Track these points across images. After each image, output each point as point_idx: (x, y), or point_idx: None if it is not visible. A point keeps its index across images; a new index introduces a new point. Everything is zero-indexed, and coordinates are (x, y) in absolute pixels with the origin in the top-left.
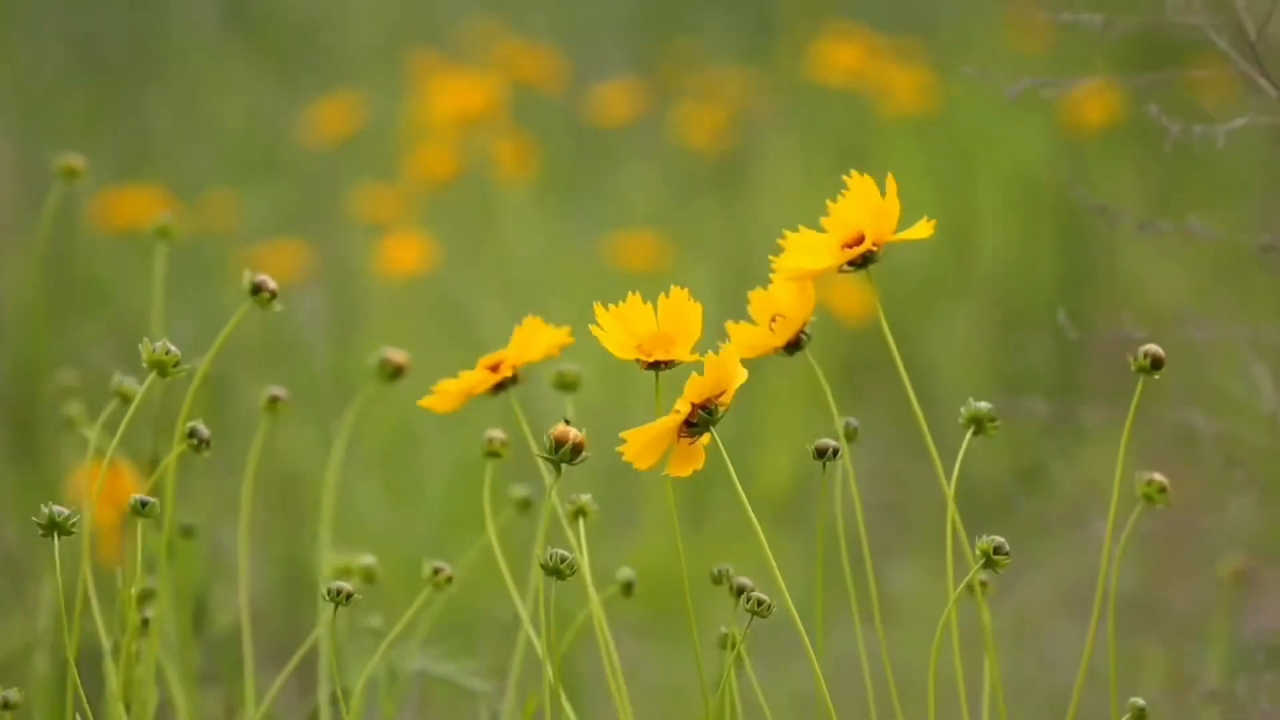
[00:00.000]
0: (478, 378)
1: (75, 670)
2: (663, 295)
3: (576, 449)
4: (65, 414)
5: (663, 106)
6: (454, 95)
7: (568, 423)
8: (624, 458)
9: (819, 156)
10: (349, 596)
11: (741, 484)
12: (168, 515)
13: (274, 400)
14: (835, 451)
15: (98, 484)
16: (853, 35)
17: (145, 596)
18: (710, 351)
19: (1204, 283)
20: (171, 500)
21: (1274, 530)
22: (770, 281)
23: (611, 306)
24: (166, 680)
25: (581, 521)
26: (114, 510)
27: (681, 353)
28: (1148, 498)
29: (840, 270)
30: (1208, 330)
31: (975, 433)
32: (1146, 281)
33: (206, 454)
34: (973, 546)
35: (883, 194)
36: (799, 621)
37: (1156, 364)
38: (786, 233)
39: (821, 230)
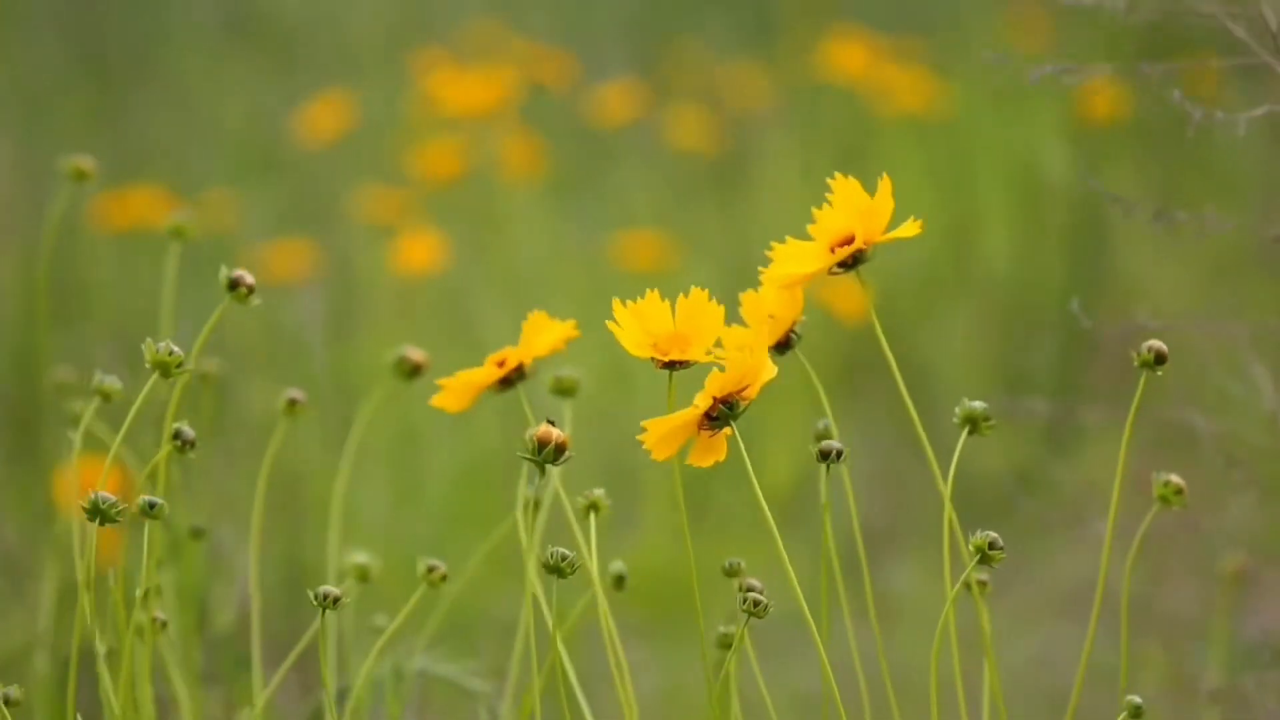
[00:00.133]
0: (485, 372)
1: (75, 669)
2: (681, 295)
3: (560, 449)
4: (68, 411)
5: (663, 106)
6: (464, 93)
7: (551, 423)
8: (643, 446)
9: (819, 156)
10: (336, 601)
11: (742, 483)
12: (160, 514)
13: (292, 403)
14: (839, 454)
15: (97, 482)
16: (853, 35)
17: (143, 596)
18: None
19: (1205, 283)
20: (162, 498)
21: (1274, 530)
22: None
23: (629, 303)
24: (169, 679)
25: (593, 517)
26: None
27: (697, 353)
28: (1163, 499)
29: (831, 272)
30: (1208, 329)
31: (970, 432)
32: (1147, 282)
33: (192, 454)
34: (968, 547)
35: (874, 195)
36: (809, 618)
37: (1160, 359)
38: (774, 244)
39: (809, 238)
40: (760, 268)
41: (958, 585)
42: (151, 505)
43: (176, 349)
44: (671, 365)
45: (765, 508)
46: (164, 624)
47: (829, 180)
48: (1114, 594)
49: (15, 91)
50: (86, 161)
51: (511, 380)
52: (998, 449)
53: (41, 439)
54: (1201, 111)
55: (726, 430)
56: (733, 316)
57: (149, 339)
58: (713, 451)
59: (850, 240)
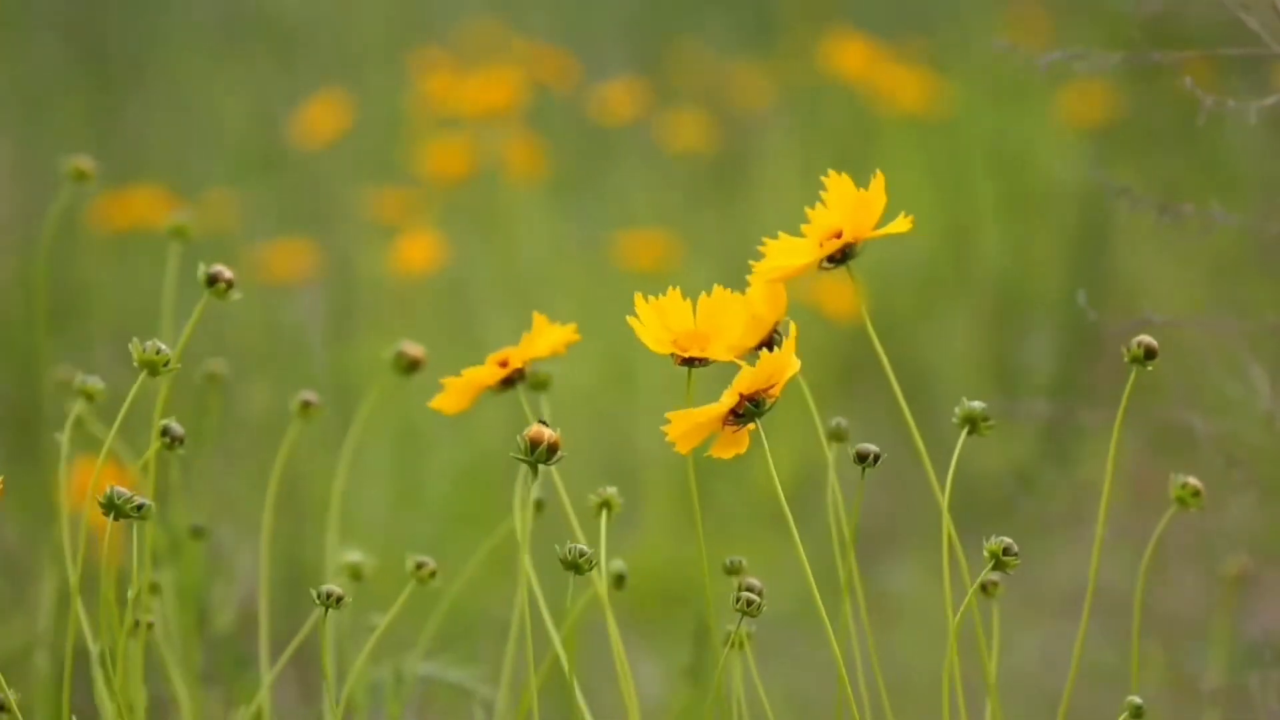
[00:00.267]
0: (486, 372)
1: (73, 669)
2: (704, 294)
3: (552, 449)
4: (66, 412)
5: (664, 106)
6: (465, 93)
7: (543, 423)
8: (667, 438)
9: (819, 156)
10: (339, 600)
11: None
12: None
13: (306, 405)
14: (877, 457)
15: (97, 482)
16: (853, 35)
17: (140, 596)
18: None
19: (1206, 282)
20: (162, 497)
21: (1274, 530)
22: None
23: (651, 299)
24: (169, 679)
25: (605, 516)
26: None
27: (717, 352)
28: (1181, 501)
29: (821, 267)
30: (1208, 328)
31: (970, 432)
32: (1148, 281)
33: (180, 450)
34: (968, 547)
35: (868, 188)
36: (825, 617)
37: (1150, 354)
38: (766, 239)
39: (803, 235)
40: (750, 262)
41: (972, 588)
42: (139, 506)
43: (164, 348)
44: (691, 362)
45: (784, 503)
46: (149, 625)
47: (823, 178)
48: (1110, 593)
49: (15, 91)
50: (86, 162)
51: (512, 381)
52: (997, 449)
53: (41, 439)
54: (1212, 100)
55: (750, 425)
56: None
57: (135, 339)
58: (735, 445)
59: (839, 235)
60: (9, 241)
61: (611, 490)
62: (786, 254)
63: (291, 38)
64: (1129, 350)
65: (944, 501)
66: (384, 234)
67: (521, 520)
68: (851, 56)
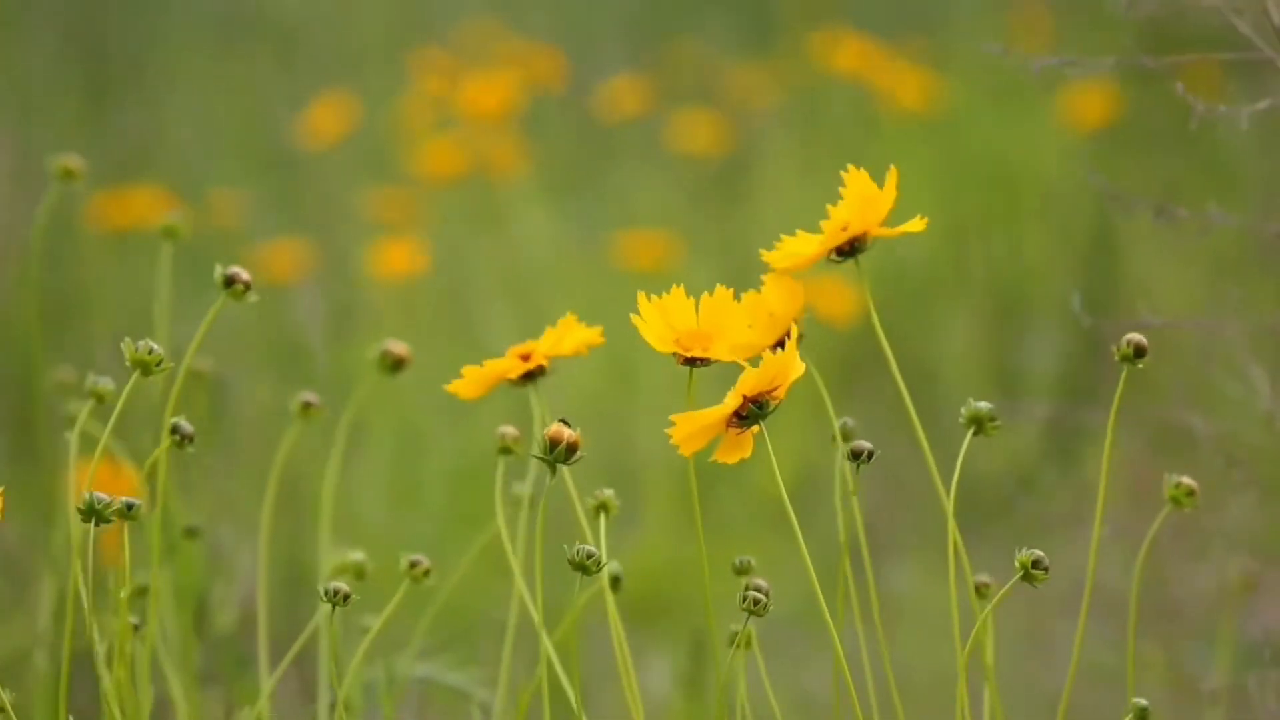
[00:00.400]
0: (508, 364)
1: (72, 669)
2: (706, 294)
3: (571, 448)
4: (66, 412)
5: (665, 106)
6: (466, 93)
7: (564, 422)
8: (671, 440)
9: (820, 156)
10: (346, 597)
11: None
12: (159, 512)
13: (306, 406)
14: (870, 454)
15: (96, 482)
16: (853, 34)
17: (140, 596)
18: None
19: (1206, 282)
20: (162, 497)
21: (1274, 530)
22: (763, 282)
23: (654, 297)
24: (167, 680)
25: (603, 518)
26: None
27: (720, 352)
28: (1175, 500)
29: (829, 259)
30: (1208, 328)
31: (976, 433)
32: (1148, 281)
33: (190, 449)
34: (969, 547)
35: (881, 187)
36: (827, 616)
37: (1139, 352)
38: (784, 236)
39: (819, 230)
40: (762, 262)
41: (999, 595)
42: (129, 507)
43: (156, 347)
44: (692, 362)
45: (788, 503)
46: (136, 628)
47: (841, 172)
48: (1110, 593)
49: (15, 92)
50: (74, 160)
51: (532, 375)
52: (998, 449)
53: (41, 439)
54: (1204, 105)
55: (754, 428)
56: None
57: (127, 338)
58: (740, 448)
59: (848, 227)
60: (9, 242)
61: (609, 493)
62: (798, 244)
63: (291, 38)
64: (1119, 349)
65: (949, 505)
66: (383, 234)
67: (525, 519)
68: (852, 56)
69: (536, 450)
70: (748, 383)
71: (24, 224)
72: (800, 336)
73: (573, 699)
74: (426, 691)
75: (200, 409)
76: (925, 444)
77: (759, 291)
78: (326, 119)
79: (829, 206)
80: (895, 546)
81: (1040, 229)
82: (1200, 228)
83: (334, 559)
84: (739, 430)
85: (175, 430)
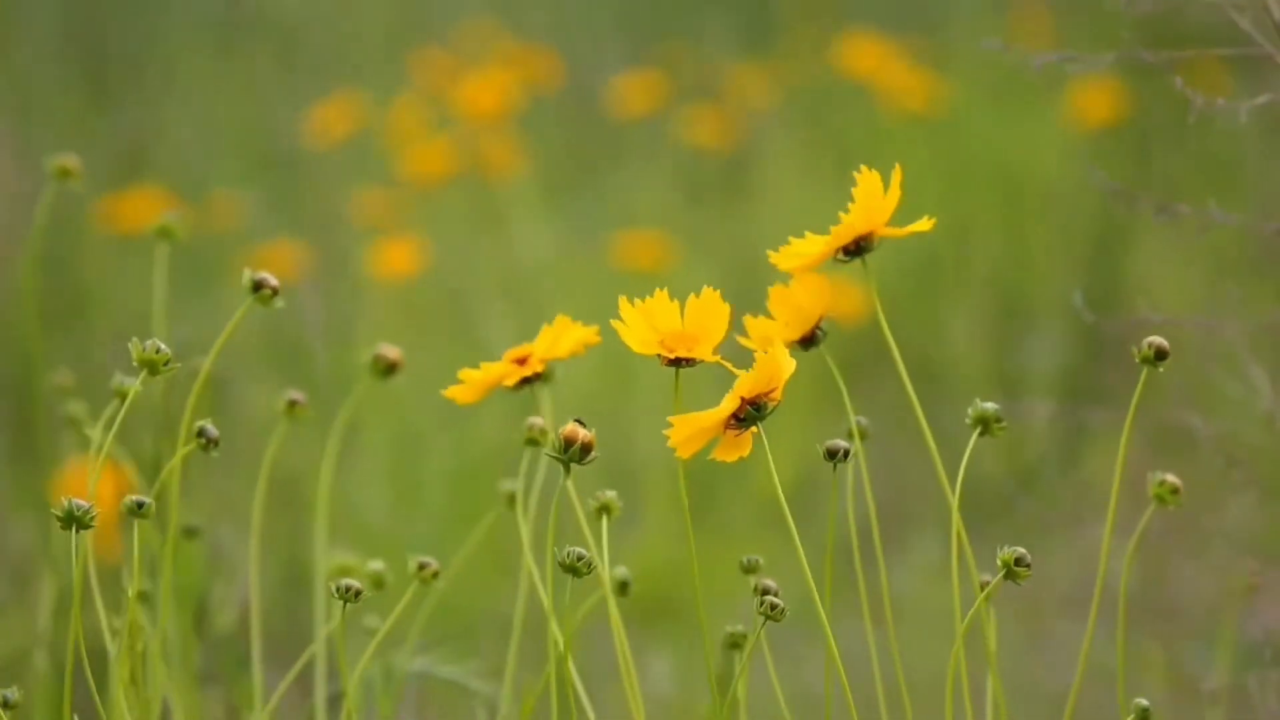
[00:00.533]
0: (504, 369)
1: (74, 669)
2: (692, 295)
3: (586, 448)
4: (66, 413)
5: (665, 106)
6: (466, 93)
7: (579, 422)
8: (668, 443)
9: (821, 155)
10: (358, 594)
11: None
12: (173, 515)
13: (292, 404)
14: (846, 453)
15: (96, 482)
16: (853, 34)
17: (135, 596)
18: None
19: (1207, 281)
20: (175, 500)
21: (1274, 530)
22: (775, 278)
23: (637, 301)
24: (167, 680)
25: (605, 519)
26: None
27: (703, 352)
28: (1159, 499)
29: (836, 259)
30: (1209, 328)
31: (982, 433)
32: (1149, 280)
33: (215, 454)
34: (972, 547)
35: (887, 186)
36: (825, 619)
37: (1161, 355)
38: (792, 239)
39: (820, 230)
40: (766, 262)
41: (985, 593)
42: (139, 505)
43: (163, 347)
44: (677, 363)
45: (784, 503)
46: (145, 627)
47: (854, 174)
48: (1109, 592)
49: (15, 91)
50: (71, 160)
51: (529, 380)
52: (999, 449)
53: (42, 439)
54: (1203, 100)
55: (753, 429)
56: (743, 314)
57: (135, 339)
58: (738, 447)
59: (853, 226)
60: (9, 242)
61: (611, 494)
62: (805, 244)
63: (291, 38)
64: (1140, 351)
65: (954, 502)
66: (383, 235)
67: (524, 517)
68: (852, 56)
69: (550, 449)
70: (745, 385)
71: (24, 224)
72: (824, 335)
73: (583, 698)
74: (425, 689)
75: (202, 409)
76: (932, 444)
77: (783, 286)
78: (333, 119)
79: (840, 213)
80: (895, 546)
81: (1041, 228)
82: (1201, 226)
83: (331, 559)
84: (737, 432)
85: (201, 433)
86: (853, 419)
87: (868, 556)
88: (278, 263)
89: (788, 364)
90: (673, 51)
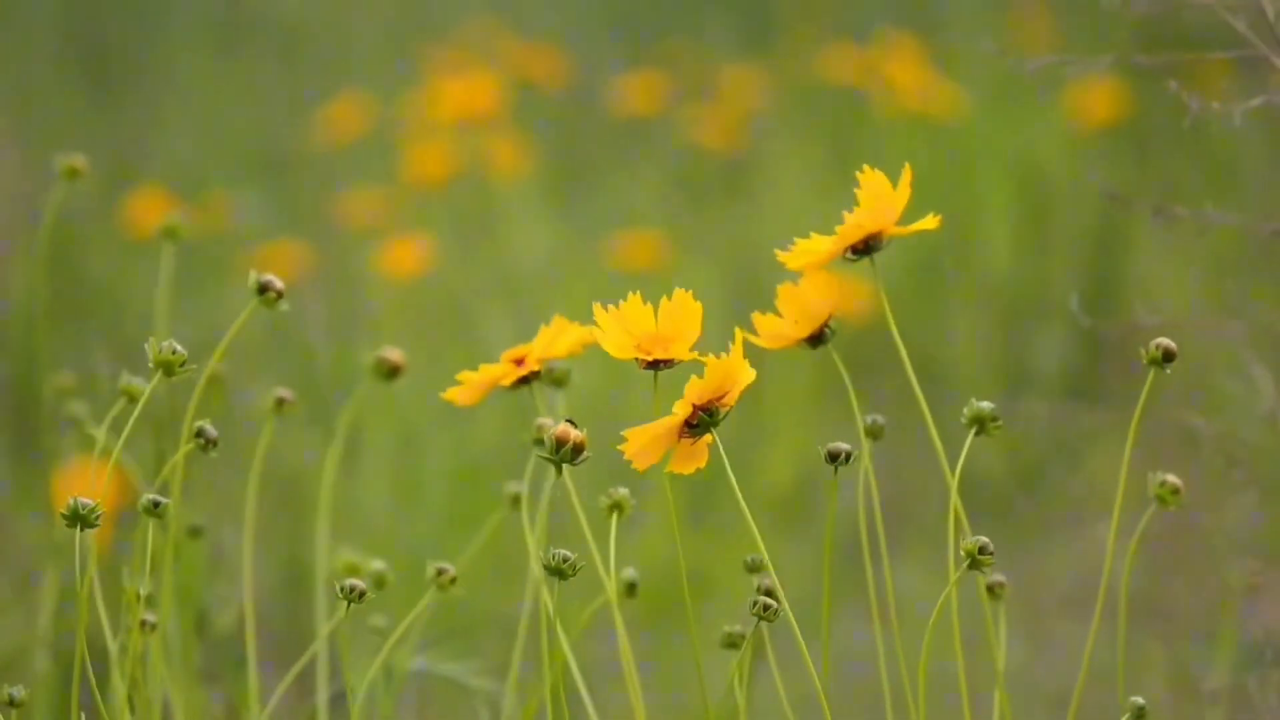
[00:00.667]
0: (502, 370)
1: (79, 670)
2: (665, 297)
3: (577, 449)
4: (69, 413)
5: (666, 106)
6: (458, 94)
7: (570, 423)
8: (624, 456)
9: (821, 155)
10: (362, 594)
11: (742, 483)
12: (173, 515)
13: (280, 401)
14: (848, 456)
15: (103, 481)
16: (853, 35)
17: (146, 597)
18: (720, 353)
19: (1208, 281)
20: (177, 500)
21: (1274, 530)
22: (775, 278)
23: (611, 307)
24: (167, 680)
25: (615, 518)
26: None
27: (679, 351)
28: (1160, 499)
29: (844, 257)
30: (1210, 327)
31: (978, 433)
32: (1151, 280)
33: (214, 454)
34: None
35: (895, 186)
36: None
37: (1169, 357)
38: (798, 240)
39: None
40: (766, 259)
41: (952, 580)
42: (155, 504)
43: (180, 348)
44: (655, 365)
45: (748, 512)
46: (153, 626)
47: (858, 174)
48: (1111, 592)
49: (16, 92)
50: (79, 160)
51: (527, 380)
52: (1001, 449)
53: (45, 438)
54: (1199, 103)
55: (708, 437)
56: (743, 314)
57: (152, 339)
58: (694, 458)
59: (861, 225)
60: (13, 243)
61: (623, 491)
62: (813, 243)
63: (292, 38)
64: (1148, 352)
65: (954, 498)
66: (384, 235)
67: (529, 520)
68: (852, 56)
69: (542, 450)
70: (695, 391)
71: (23, 224)
72: (833, 334)
73: (586, 700)
74: (426, 689)
75: (212, 411)
76: (939, 443)
77: (792, 284)
78: (334, 119)
79: (845, 212)
80: (898, 545)
81: (1046, 228)
82: (1200, 227)
83: (332, 559)
84: (692, 440)
85: (200, 434)
86: (860, 420)
87: (873, 556)
88: (279, 263)
89: (743, 370)
90: (673, 51)
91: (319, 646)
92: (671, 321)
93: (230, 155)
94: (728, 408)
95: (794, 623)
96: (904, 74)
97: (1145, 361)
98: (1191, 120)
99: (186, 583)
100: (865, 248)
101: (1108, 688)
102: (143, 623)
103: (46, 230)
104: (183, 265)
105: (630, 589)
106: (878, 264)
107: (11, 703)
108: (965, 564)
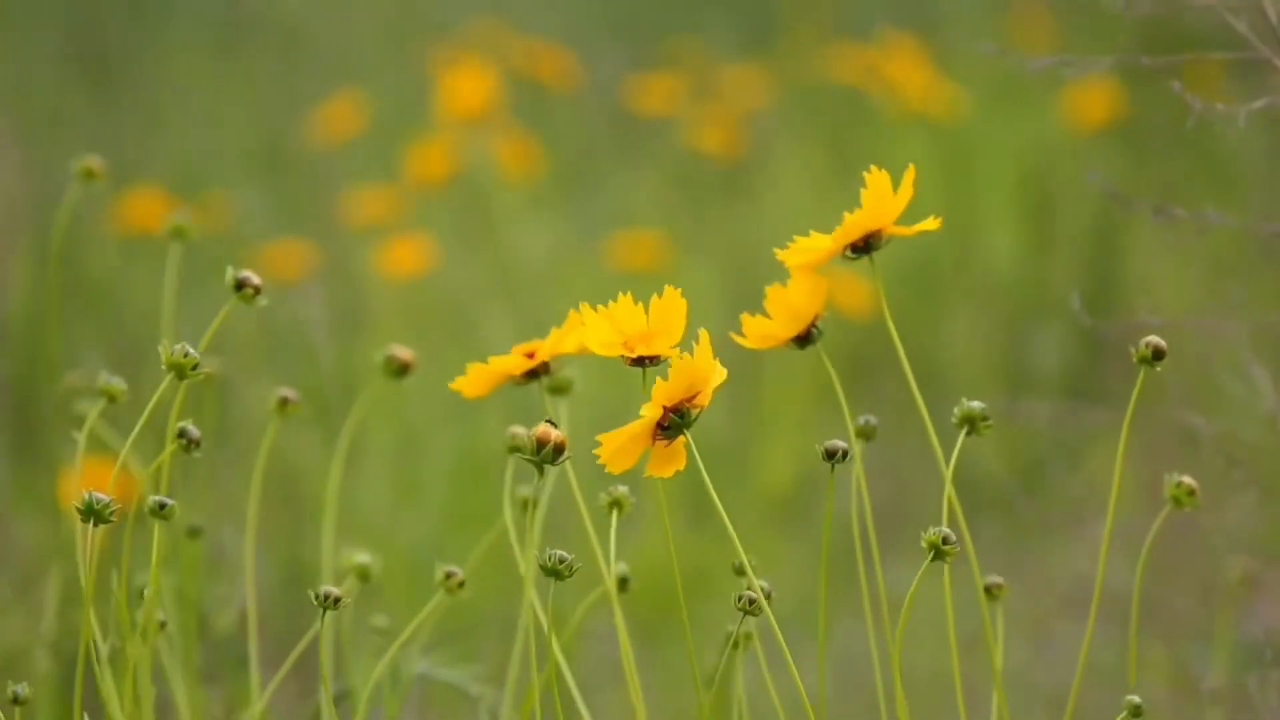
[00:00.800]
0: (514, 361)
1: (84, 667)
2: (655, 295)
3: (558, 449)
4: (73, 412)
5: (666, 106)
6: (466, 93)
7: (550, 423)
8: (599, 460)
9: (821, 155)
10: (337, 601)
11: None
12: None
13: (284, 401)
14: (845, 454)
15: (101, 483)
16: (853, 34)
17: (151, 596)
18: (718, 355)
19: (1209, 281)
20: (166, 495)
21: (1274, 530)
22: (775, 278)
23: (600, 307)
24: (168, 680)
25: (615, 515)
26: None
27: (662, 347)
28: (1176, 500)
29: (844, 256)
30: (1210, 327)
31: (969, 432)
32: (1152, 280)
33: (197, 454)
34: (975, 547)
35: (896, 186)
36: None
37: (1158, 355)
38: (797, 237)
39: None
40: (766, 259)
41: (917, 575)
42: (161, 505)
43: (192, 350)
44: (640, 362)
45: (724, 514)
46: (163, 624)
47: (865, 174)
48: (1109, 592)
49: (16, 91)
50: (96, 162)
51: (536, 373)
52: (1002, 449)
53: (48, 439)
54: (1201, 104)
55: (682, 439)
56: (736, 315)
57: (164, 341)
58: (672, 461)
59: (861, 223)
60: (15, 243)
61: (623, 489)
62: (812, 241)
63: (292, 38)
64: (1137, 351)
65: (948, 494)
66: (385, 234)
67: (526, 520)
68: (852, 56)
69: (523, 451)
70: (663, 391)
71: (24, 224)
72: (820, 334)
73: (579, 702)
74: (428, 690)
75: (206, 410)
76: (935, 441)
77: (781, 285)
78: (335, 118)
79: (845, 211)
80: (897, 545)
81: (1047, 228)
82: (1199, 227)
83: (340, 558)
84: (666, 442)
85: (182, 434)
86: (850, 421)
87: (869, 556)
88: (280, 262)
89: (712, 369)
90: (673, 51)
91: (304, 649)
92: (661, 320)
93: (230, 155)
94: (699, 409)
95: (775, 623)
96: (904, 74)
97: (1135, 360)
98: (1194, 121)
99: (186, 583)
100: (865, 246)
101: (1108, 687)
102: (135, 623)
103: (59, 230)
104: (182, 265)
105: (623, 584)
106: (878, 264)
107: (15, 700)
108: (929, 556)
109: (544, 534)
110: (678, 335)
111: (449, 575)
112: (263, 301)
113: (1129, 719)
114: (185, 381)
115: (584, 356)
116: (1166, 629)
